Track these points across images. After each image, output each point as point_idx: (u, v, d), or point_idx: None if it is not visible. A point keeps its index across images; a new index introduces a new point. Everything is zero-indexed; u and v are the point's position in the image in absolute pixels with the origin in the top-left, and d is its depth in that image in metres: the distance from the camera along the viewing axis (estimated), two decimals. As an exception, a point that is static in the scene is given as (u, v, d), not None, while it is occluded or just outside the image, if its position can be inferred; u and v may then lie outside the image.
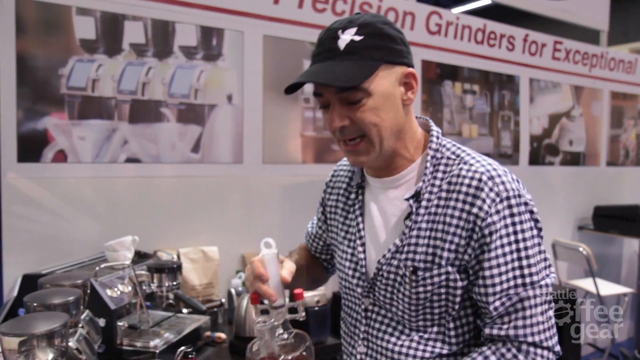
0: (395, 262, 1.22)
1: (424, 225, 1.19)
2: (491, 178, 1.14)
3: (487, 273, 1.13)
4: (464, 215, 1.15)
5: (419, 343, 1.21)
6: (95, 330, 1.78)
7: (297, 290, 1.16)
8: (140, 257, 2.52)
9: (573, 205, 4.77)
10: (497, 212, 1.12)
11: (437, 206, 1.19)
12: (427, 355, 1.20)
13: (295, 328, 1.16)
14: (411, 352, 1.21)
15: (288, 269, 1.18)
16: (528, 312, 1.11)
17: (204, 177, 2.96)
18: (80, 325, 1.66)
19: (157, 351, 1.97)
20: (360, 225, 1.32)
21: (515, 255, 1.13)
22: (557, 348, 1.14)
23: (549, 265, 1.18)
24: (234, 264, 3.00)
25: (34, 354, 1.31)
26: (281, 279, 1.15)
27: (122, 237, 2.39)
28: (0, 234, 2.55)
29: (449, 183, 1.18)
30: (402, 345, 1.22)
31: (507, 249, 1.12)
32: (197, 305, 2.12)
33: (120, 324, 2.03)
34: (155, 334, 2.08)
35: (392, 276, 1.23)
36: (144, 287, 2.12)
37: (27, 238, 2.58)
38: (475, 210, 1.13)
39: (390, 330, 1.25)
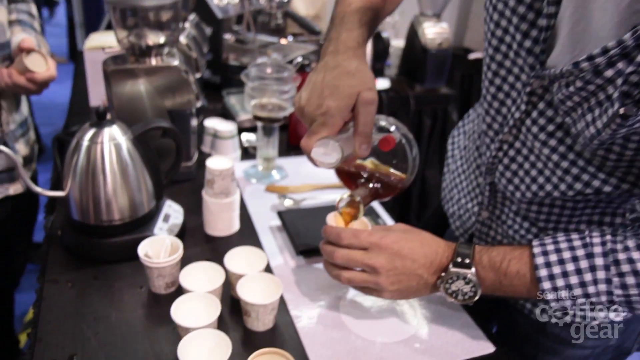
0: (608, 73, 0.63)
1: None
2: None
3: None
4: None
5: (583, 170, 0.77)
6: (202, 36, 1.64)
7: (385, 141, 0.82)
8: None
9: None
10: None
11: None
12: (591, 184, 0.77)
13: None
14: (573, 171, 0.78)
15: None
16: None
17: None
18: (188, 24, 1.51)
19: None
20: None
21: None
22: None
23: None
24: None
25: (145, 35, 1.17)
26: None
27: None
28: None
29: None
30: (563, 158, 0.78)
31: None
32: (309, 24, 1.90)
33: (227, 37, 1.87)
34: (262, 54, 1.92)
35: (590, 88, 0.67)
36: (252, 1, 1.91)
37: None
38: None
39: (554, 135, 0.78)
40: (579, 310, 0.75)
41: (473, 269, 0.78)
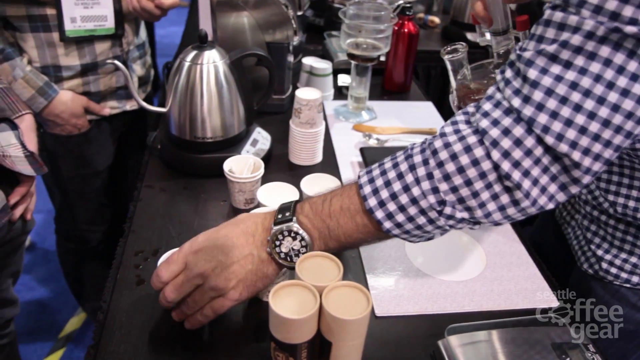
0: None
1: None
2: None
3: None
4: None
5: None
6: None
7: (521, 18, 0.81)
8: None
9: None
10: None
11: None
12: None
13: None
14: None
15: None
16: None
17: None
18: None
19: None
20: None
21: None
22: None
23: None
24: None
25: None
26: None
27: None
28: None
29: None
30: None
31: None
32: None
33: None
34: (369, -1, 1.91)
35: None
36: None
37: None
38: None
39: None
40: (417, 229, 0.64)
41: (295, 220, 0.67)
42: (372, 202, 0.64)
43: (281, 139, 1.21)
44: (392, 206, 0.63)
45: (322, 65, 1.41)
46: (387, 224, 0.64)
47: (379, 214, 0.64)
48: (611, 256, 0.89)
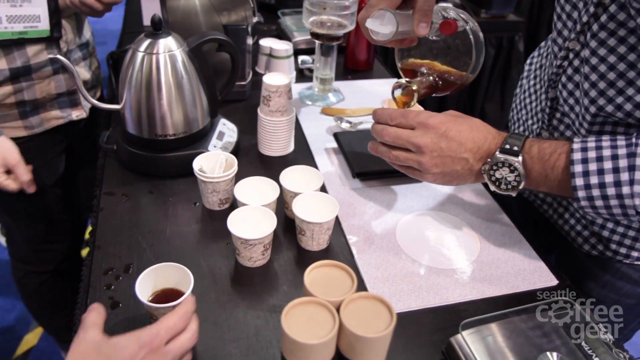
0: None
1: None
2: None
3: None
4: None
5: None
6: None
7: (446, 22, 0.77)
8: None
9: None
10: None
11: None
12: None
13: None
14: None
15: None
16: None
17: None
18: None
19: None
20: None
21: None
22: None
23: None
24: None
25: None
26: None
27: None
28: None
29: None
30: (631, 67, 0.73)
31: None
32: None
33: (282, -47, 1.78)
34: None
35: None
36: None
37: None
38: None
39: (626, 40, 0.72)
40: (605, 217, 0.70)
41: (520, 157, 0.72)
42: (579, 182, 0.68)
43: (247, 129, 1.13)
44: (596, 192, 0.67)
45: (282, 46, 1.32)
46: (584, 202, 0.69)
47: (581, 194, 0.68)
48: (619, 236, 0.85)
